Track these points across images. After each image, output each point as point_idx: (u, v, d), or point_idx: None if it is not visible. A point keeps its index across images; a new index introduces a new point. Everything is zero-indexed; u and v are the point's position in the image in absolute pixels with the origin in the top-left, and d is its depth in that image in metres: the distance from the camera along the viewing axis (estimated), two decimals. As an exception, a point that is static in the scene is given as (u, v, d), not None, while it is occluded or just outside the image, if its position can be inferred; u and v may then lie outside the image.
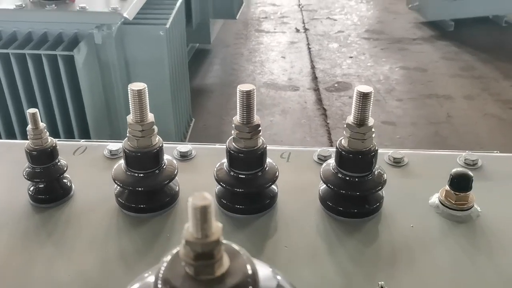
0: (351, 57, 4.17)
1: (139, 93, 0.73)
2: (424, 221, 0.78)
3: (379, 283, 0.58)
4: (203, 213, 0.33)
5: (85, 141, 0.97)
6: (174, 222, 0.79)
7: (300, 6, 5.27)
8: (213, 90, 3.63)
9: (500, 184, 0.86)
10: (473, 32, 4.55)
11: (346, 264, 0.71)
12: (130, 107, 0.74)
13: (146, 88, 0.73)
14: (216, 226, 0.34)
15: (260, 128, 0.76)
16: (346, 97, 3.48)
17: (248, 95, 0.72)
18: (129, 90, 0.73)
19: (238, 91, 0.72)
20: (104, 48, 1.98)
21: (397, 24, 4.77)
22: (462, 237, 0.76)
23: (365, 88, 0.72)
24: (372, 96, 0.72)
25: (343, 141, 0.76)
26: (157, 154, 0.77)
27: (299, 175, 0.88)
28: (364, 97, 0.72)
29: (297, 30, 4.69)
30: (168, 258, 0.36)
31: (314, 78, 3.86)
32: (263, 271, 0.39)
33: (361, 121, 0.74)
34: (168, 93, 2.22)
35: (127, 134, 0.77)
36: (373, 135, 0.75)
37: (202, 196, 0.33)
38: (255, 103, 0.74)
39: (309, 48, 4.35)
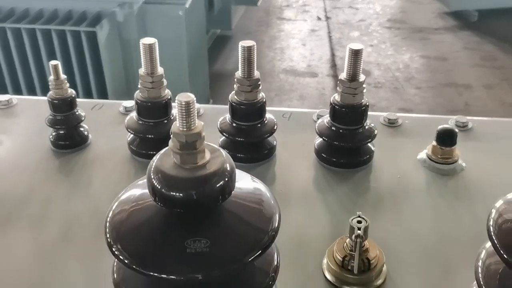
0: (371, 46, 4.19)
1: (150, 47, 0.80)
2: (411, 173, 0.84)
3: (357, 213, 0.64)
4: (187, 108, 0.40)
5: (103, 100, 1.05)
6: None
7: None
8: (232, 75, 3.70)
9: (486, 144, 0.91)
10: (496, 23, 4.52)
11: (333, 206, 0.77)
12: (142, 61, 0.82)
13: (157, 43, 0.81)
14: (199, 122, 0.41)
15: (259, 83, 0.83)
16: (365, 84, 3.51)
17: (249, 51, 0.79)
18: (140, 45, 0.80)
19: (239, 47, 0.79)
20: (126, 26, 2.07)
21: (419, 14, 4.75)
22: (445, 188, 0.81)
23: (357, 46, 0.78)
24: (363, 53, 0.78)
25: (336, 96, 0.83)
26: (166, 105, 0.85)
27: (298, 132, 0.95)
28: (355, 54, 0.78)
29: (319, 19, 4.73)
30: (157, 155, 0.43)
31: (334, 65, 3.90)
32: (241, 172, 0.45)
33: (352, 77, 0.80)
34: (186, 74, 2.30)
35: (139, 86, 0.84)
36: (364, 90, 0.82)
37: (186, 95, 0.40)
38: (255, 58, 0.81)
39: (329, 36, 4.38)
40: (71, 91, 0.87)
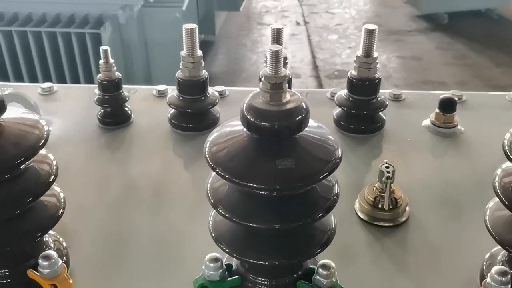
0: (350, 48, 4.37)
1: (191, 31, 0.92)
2: (418, 137, 0.97)
3: (384, 160, 0.77)
4: (276, 55, 0.52)
5: (136, 86, 1.16)
6: (216, 139, 0.97)
7: (300, 1, 5.47)
8: (218, 77, 3.82)
9: (479, 112, 1.05)
10: (466, 25, 4.76)
11: (355, 163, 0.90)
12: (184, 44, 0.93)
13: (197, 28, 0.92)
14: (284, 69, 0.53)
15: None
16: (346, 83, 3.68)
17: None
18: (183, 29, 0.92)
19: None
20: (127, 28, 2.17)
21: (393, 18, 4.97)
22: (448, 147, 0.95)
23: (371, 26, 0.91)
24: (376, 32, 0.92)
25: (353, 71, 0.96)
26: (204, 83, 0.96)
27: (315, 108, 1.07)
28: (370, 33, 0.91)
29: (298, 23, 4.89)
30: (247, 97, 0.55)
31: (315, 66, 4.06)
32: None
33: (367, 53, 0.93)
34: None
35: (181, 66, 0.95)
36: (377, 66, 0.95)
37: (276, 45, 0.52)
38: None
39: (309, 40, 4.54)
40: (118, 74, 0.98)
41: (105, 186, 0.85)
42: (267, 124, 0.53)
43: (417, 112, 1.04)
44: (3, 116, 0.58)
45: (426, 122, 1.00)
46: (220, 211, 0.56)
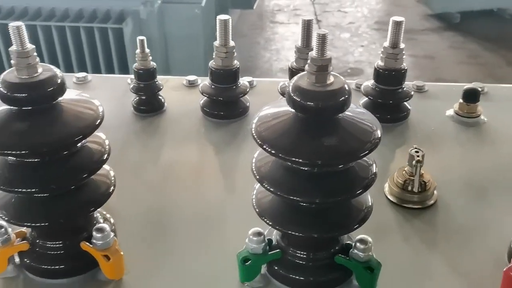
0: (362, 46, 4.40)
1: (225, 22, 0.96)
2: (442, 126, 1.01)
3: (413, 146, 0.80)
4: (323, 39, 0.55)
5: (166, 76, 1.20)
6: (246, 127, 1.01)
7: (312, 0, 5.50)
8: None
9: (501, 104, 1.08)
10: (478, 24, 4.77)
11: (382, 151, 0.93)
12: (217, 35, 0.97)
13: (230, 19, 0.96)
14: (329, 52, 0.57)
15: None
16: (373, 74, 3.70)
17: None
18: (217, 20, 0.96)
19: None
20: (147, 24, 2.22)
21: (405, 17, 4.93)
22: (471, 135, 0.98)
23: (398, 18, 0.94)
24: (403, 24, 0.95)
25: (380, 62, 0.99)
26: (236, 72, 1.00)
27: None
28: (397, 25, 0.95)
29: (310, 22, 4.92)
30: (294, 78, 0.59)
31: (328, 64, 4.08)
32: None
33: (394, 44, 0.96)
34: (201, 69, 2.45)
35: (214, 56, 0.99)
36: (404, 57, 0.98)
37: (323, 30, 0.55)
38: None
39: (321, 38, 4.57)
40: (153, 64, 1.02)
41: (143, 168, 0.89)
42: (312, 104, 0.56)
43: (440, 103, 1.07)
44: (62, 97, 0.62)
45: (450, 112, 1.03)
46: (266, 186, 0.60)
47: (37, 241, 0.67)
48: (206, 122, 1.03)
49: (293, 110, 0.58)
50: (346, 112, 0.59)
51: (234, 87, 1.01)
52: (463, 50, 4.31)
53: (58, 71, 0.61)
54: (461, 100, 1.01)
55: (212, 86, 1.00)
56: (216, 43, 0.98)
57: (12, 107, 0.60)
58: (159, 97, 1.05)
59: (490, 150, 0.94)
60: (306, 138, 0.57)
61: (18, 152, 0.59)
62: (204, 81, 1.03)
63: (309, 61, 0.57)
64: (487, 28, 4.72)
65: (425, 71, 3.98)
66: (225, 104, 1.02)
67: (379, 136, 0.60)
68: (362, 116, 0.61)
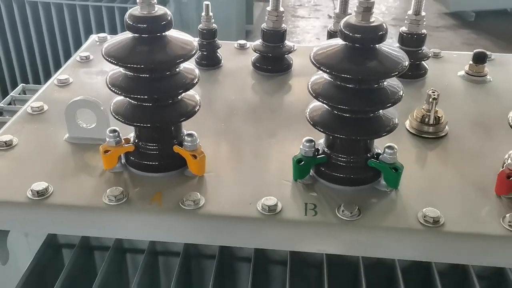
0: (379, 41, 4.59)
1: (276, -10, 1.16)
2: (454, 83, 1.21)
3: (431, 88, 1.00)
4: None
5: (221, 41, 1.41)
6: (289, 80, 1.22)
7: (332, -4, 5.70)
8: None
9: (505, 67, 1.28)
10: (492, 23, 4.94)
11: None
12: (270, 1, 1.18)
13: (281, -11, 1.17)
14: (371, -3, 0.77)
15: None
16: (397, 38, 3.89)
17: None
18: (270, -11, 1.16)
19: None
20: (186, 7, 2.43)
21: (421, 14, 5.17)
22: (478, 90, 1.18)
23: (421, -11, 1.14)
24: (425, -5, 1.15)
25: (404, 28, 1.19)
26: (283, 33, 1.21)
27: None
28: (419, -5, 1.14)
29: (330, 17, 5.12)
30: (344, 18, 0.79)
31: (346, 57, 4.28)
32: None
33: (417, 12, 1.16)
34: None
35: (266, 19, 1.20)
36: (424, 23, 1.18)
37: (368, -19, 0.76)
38: None
39: (340, 32, 4.76)
40: (215, 26, 1.22)
41: (210, 105, 1.10)
42: (358, 35, 0.76)
43: (454, 65, 1.27)
44: (168, 32, 0.83)
45: (461, 72, 1.23)
46: (320, 99, 0.80)
47: (140, 143, 0.88)
48: (256, 75, 1.23)
49: (343, 42, 0.78)
50: (383, 44, 0.79)
51: (281, 46, 1.21)
52: (476, 46, 4.46)
53: (168, 11, 0.82)
54: (471, 62, 1.21)
55: (263, 45, 1.21)
56: (268, 8, 1.18)
57: (134, 34, 0.81)
58: (218, 54, 1.26)
59: (494, 100, 1.14)
60: (353, 61, 0.78)
61: (136, 66, 0.80)
62: (257, 41, 1.24)
63: (357, 3, 0.77)
64: (500, 27, 4.89)
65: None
66: (273, 60, 1.22)
67: (407, 64, 0.80)
68: (395, 50, 0.81)
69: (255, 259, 0.94)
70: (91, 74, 1.21)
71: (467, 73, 1.22)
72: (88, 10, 2.33)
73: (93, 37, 1.40)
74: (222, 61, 1.27)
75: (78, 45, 2.39)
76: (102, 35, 1.39)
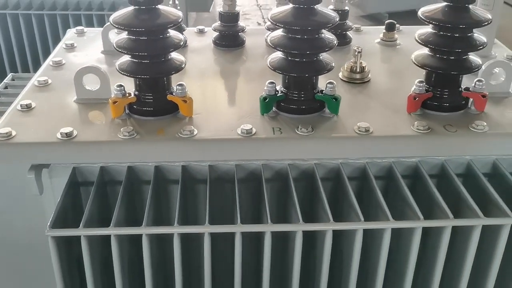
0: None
1: (230, -20, 1.45)
2: (373, 47, 1.54)
3: (356, 45, 1.31)
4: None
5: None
6: (244, 53, 1.50)
7: (259, 6, 6.09)
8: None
9: (409, 36, 1.63)
10: (402, 21, 5.47)
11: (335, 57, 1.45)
12: (224, -11, 1.46)
13: (233, -22, 1.46)
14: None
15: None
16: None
17: None
18: (224, -21, 1.45)
19: None
20: None
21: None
22: (391, 51, 1.52)
23: (341, -25, 1.47)
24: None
25: (331, 6, 1.51)
26: (237, 15, 1.49)
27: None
28: (341, -20, 1.47)
29: (259, 24, 5.49)
30: (290, -12, 1.09)
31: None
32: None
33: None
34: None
35: (222, 4, 1.48)
36: (346, 1, 1.51)
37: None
38: None
39: (270, 37, 5.12)
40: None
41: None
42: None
43: (372, 36, 1.61)
44: (160, 6, 1.09)
45: (377, 40, 1.57)
46: (278, 48, 1.09)
47: (141, 95, 1.13)
48: (218, 51, 1.51)
49: (292, 5, 1.08)
50: (319, 6, 1.10)
51: (236, 25, 1.50)
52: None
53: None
54: (384, 31, 1.55)
55: (221, 25, 1.49)
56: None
57: (135, 6, 1.07)
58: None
59: (403, 57, 1.48)
60: (300, 17, 1.07)
61: (137, 29, 1.05)
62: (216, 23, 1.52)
63: (299, -25, 1.07)
64: (409, 24, 5.42)
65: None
66: (229, 37, 1.50)
67: (337, 20, 1.11)
68: (328, 10, 1.12)
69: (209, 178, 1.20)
70: (80, 57, 1.45)
71: (382, 40, 1.56)
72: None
73: (71, 30, 1.63)
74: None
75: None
76: (79, 27, 1.62)
